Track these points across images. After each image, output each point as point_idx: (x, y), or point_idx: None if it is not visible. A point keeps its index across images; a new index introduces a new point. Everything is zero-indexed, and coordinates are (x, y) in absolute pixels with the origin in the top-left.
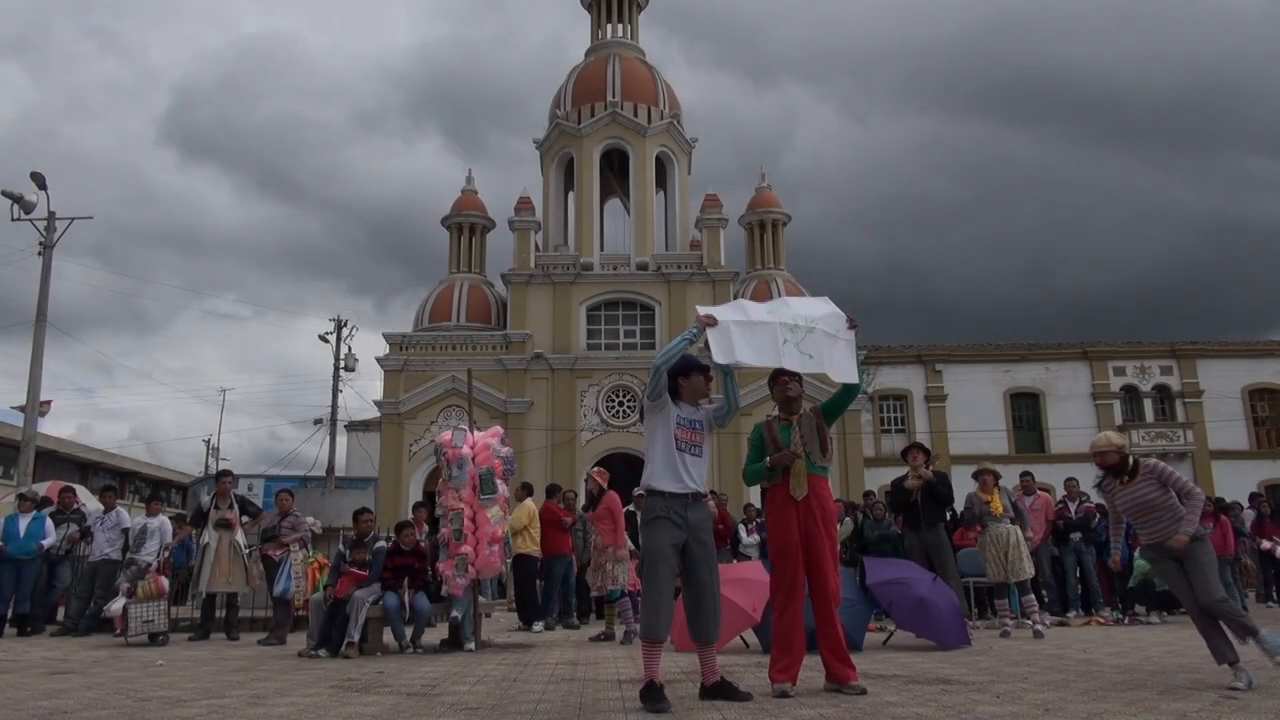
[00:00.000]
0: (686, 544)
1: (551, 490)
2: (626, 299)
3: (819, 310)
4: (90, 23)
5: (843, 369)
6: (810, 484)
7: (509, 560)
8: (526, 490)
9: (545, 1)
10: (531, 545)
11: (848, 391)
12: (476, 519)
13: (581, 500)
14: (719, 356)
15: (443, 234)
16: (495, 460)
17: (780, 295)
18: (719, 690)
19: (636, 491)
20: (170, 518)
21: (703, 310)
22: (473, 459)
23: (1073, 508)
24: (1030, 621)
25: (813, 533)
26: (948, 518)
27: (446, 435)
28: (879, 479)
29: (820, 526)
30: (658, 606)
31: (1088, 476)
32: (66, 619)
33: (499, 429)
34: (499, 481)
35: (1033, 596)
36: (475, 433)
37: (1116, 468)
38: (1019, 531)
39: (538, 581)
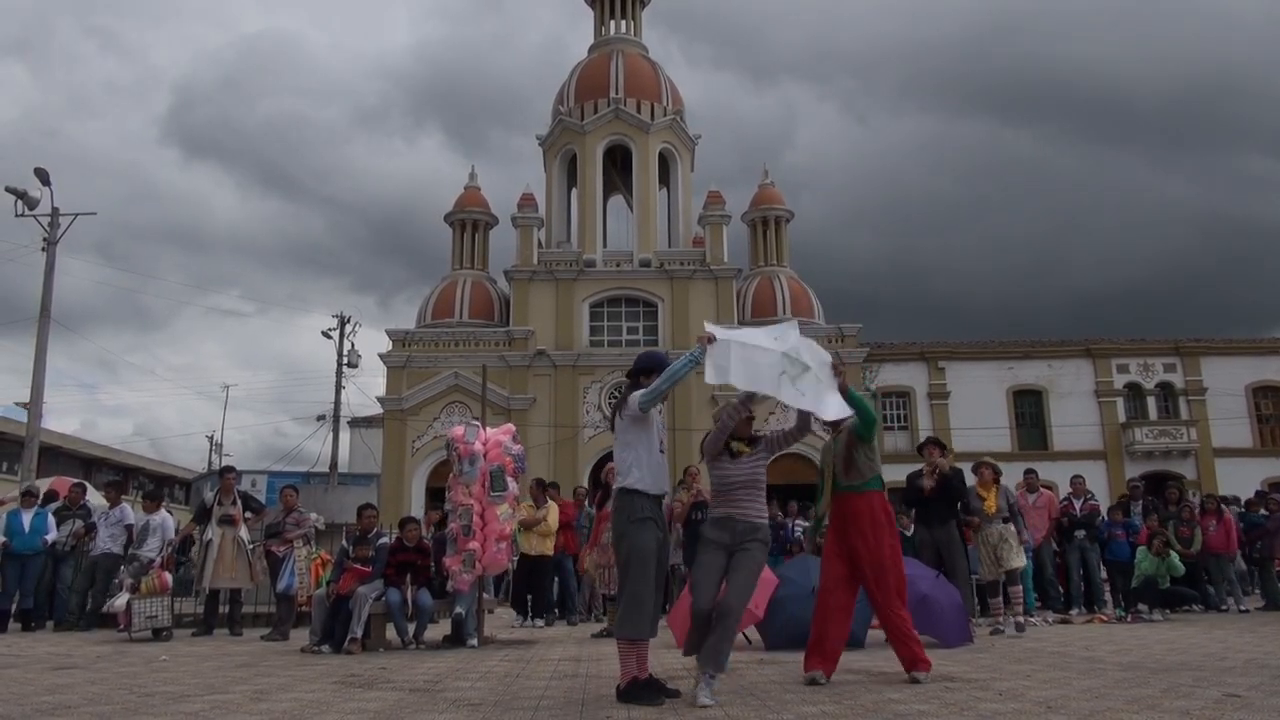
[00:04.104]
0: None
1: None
2: (629, 295)
3: (815, 356)
4: (91, 23)
5: (836, 409)
6: (837, 501)
7: (515, 558)
8: (541, 487)
9: (545, 0)
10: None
11: (863, 422)
12: (485, 515)
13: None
14: (710, 376)
15: (445, 231)
16: (506, 458)
17: (783, 290)
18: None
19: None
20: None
21: (709, 326)
22: (484, 455)
23: (1077, 505)
24: (1013, 615)
25: (852, 544)
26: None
27: (459, 430)
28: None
29: (856, 538)
30: (648, 606)
31: (1091, 474)
32: (68, 614)
33: (511, 426)
34: (509, 479)
35: (1019, 587)
36: (487, 429)
37: None
38: (1010, 528)
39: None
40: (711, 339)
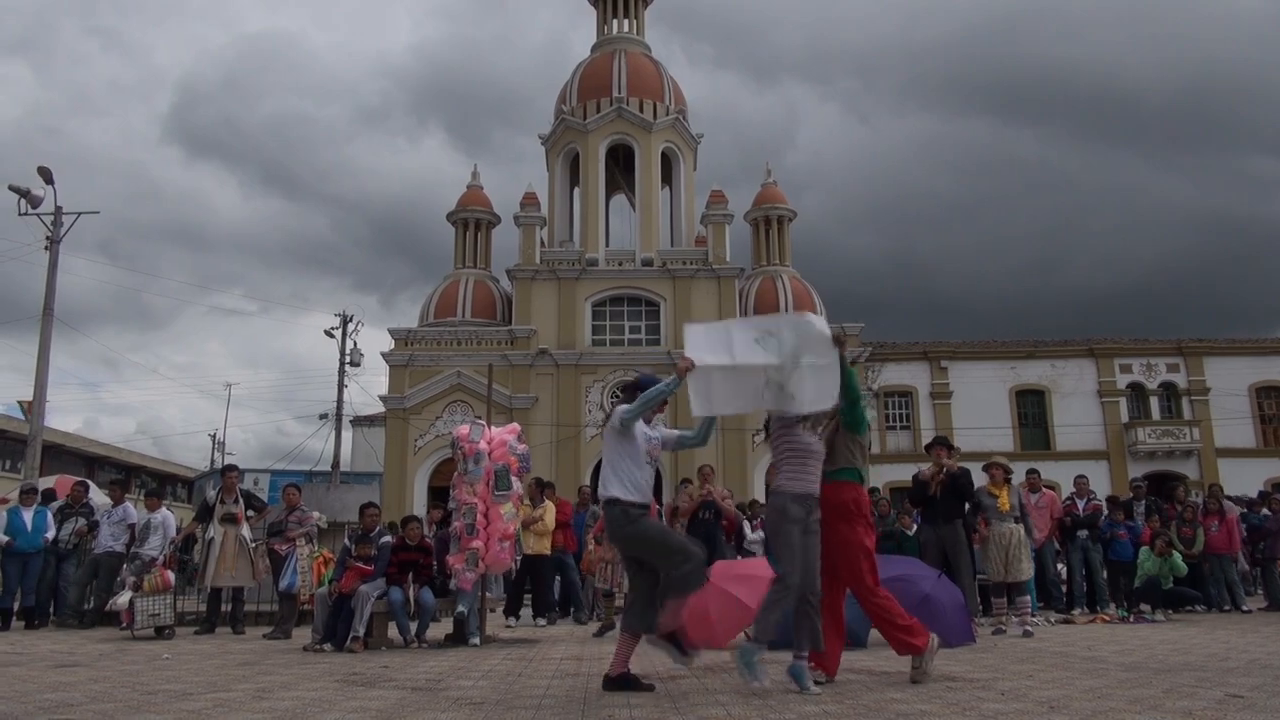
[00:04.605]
0: None
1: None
2: (631, 295)
3: (809, 332)
4: (94, 22)
5: (824, 397)
6: (821, 490)
7: (518, 557)
8: (539, 486)
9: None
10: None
11: (846, 400)
12: (489, 514)
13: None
14: (697, 408)
15: (448, 230)
16: (511, 457)
17: (785, 290)
18: (624, 682)
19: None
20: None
21: (687, 346)
22: (489, 454)
23: (1080, 505)
24: (1019, 620)
25: (825, 533)
26: (965, 513)
27: (464, 429)
28: (883, 476)
29: (826, 526)
30: (697, 557)
31: (1094, 474)
32: (66, 608)
33: (516, 426)
34: (514, 479)
35: (1028, 598)
36: (492, 428)
37: None
38: (1022, 531)
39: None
40: (690, 368)
